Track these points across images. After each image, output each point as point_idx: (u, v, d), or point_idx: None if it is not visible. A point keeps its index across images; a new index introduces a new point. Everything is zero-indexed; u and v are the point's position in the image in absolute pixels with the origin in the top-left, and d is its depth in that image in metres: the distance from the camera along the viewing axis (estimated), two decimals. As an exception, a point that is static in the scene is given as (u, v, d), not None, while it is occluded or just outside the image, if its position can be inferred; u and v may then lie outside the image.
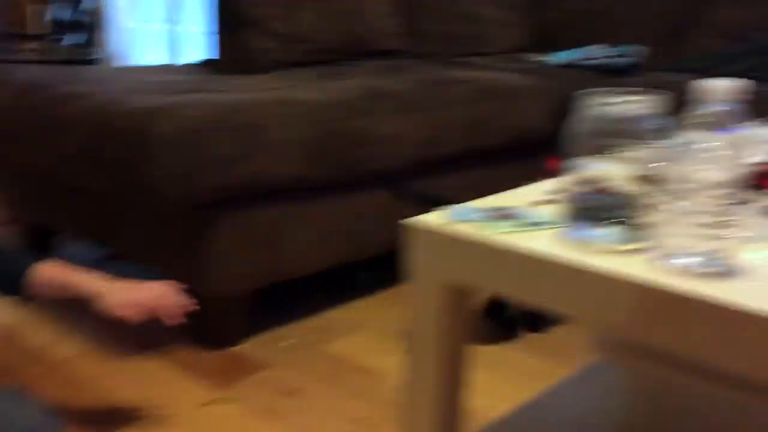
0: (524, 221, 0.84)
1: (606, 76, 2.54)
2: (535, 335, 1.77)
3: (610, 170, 0.75)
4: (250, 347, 1.71)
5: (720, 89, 0.68)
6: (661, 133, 0.73)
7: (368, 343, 1.74)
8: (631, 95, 0.76)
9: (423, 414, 0.89)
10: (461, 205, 0.88)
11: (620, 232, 0.75)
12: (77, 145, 1.73)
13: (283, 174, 1.66)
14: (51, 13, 4.31)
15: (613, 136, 0.74)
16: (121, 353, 1.66)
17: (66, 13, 4.36)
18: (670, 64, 2.68)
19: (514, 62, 2.72)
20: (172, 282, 1.35)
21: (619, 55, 2.65)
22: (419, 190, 1.88)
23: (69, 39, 4.36)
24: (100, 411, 1.45)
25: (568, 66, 2.67)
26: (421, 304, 0.86)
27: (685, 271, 0.69)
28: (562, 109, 2.39)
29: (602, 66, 2.60)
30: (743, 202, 0.93)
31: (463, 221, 0.84)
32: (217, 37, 2.21)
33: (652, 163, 0.74)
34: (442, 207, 0.87)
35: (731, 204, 0.70)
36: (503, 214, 0.86)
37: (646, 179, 0.74)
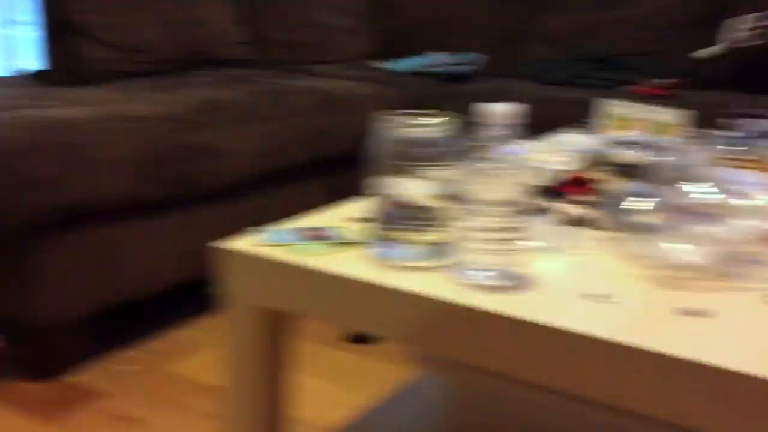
0: (336, 241, 0.85)
1: (447, 83, 2.63)
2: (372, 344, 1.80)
3: (412, 189, 0.78)
4: (86, 376, 1.63)
5: (499, 113, 0.72)
6: (455, 154, 0.76)
7: (214, 363, 1.70)
8: (427, 117, 0.78)
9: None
10: (275, 226, 0.88)
11: (422, 250, 0.78)
12: None
13: (115, 193, 1.59)
14: None
15: (411, 158, 0.77)
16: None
17: None
18: (506, 71, 2.81)
19: (359, 70, 2.76)
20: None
21: (460, 63, 2.75)
22: None
23: None
24: None
25: (412, 73, 2.74)
26: (237, 329, 0.85)
27: (478, 286, 0.73)
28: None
29: (444, 73, 2.69)
30: (543, 212, 0.99)
31: (275, 243, 0.84)
32: (46, 46, 2.09)
33: (448, 182, 0.77)
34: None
35: (519, 219, 0.74)
36: (317, 234, 0.87)
37: (444, 198, 0.77)
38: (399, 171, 0.77)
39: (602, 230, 0.91)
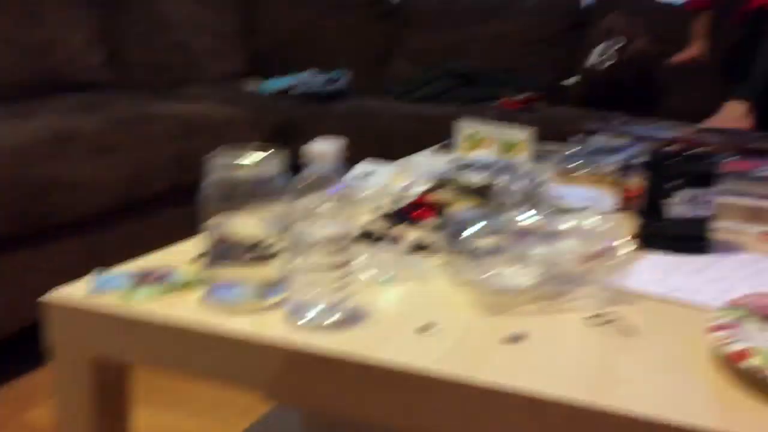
0: (169, 284, 0.82)
1: (315, 103, 2.63)
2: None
3: (241, 227, 0.77)
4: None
5: (325, 151, 0.72)
6: (285, 190, 0.75)
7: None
8: (257, 153, 0.77)
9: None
10: (106, 271, 0.85)
11: (253, 289, 0.77)
12: None
13: (-48, 234, 1.49)
14: None
15: (240, 195, 0.76)
16: None
17: None
18: (374, 89, 2.85)
19: (226, 91, 2.71)
20: None
21: (329, 82, 2.76)
22: None
23: None
24: None
25: (280, 93, 2.73)
26: (65, 383, 0.81)
27: (310, 325, 0.72)
28: (275, 138, 2.43)
29: (312, 93, 2.69)
30: (385, 238, 1.00)
31: (104, 290, 0.81)
32: None
33: (278, 219, 0.76)
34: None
35: (349, 253, 0.74)
36: (151, 277, 0.84)
37: (274, 235, 0.77)
38: (229, 208, 0.76)
39: (441, 256, 0.93)
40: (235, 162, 0.77)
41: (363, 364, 0.67)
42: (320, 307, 0.73)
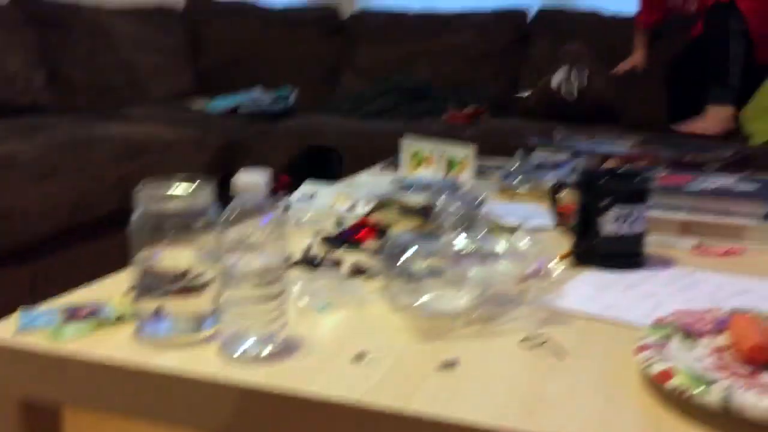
0: (99, 320, 0.81)
1: (264, 121, 2.62)
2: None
3: (171, 259, 0.75)
4: None
5: (252, 182, 0.72)
6: (213, 222, 0.75)
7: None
8: (186, 185, 0.77)
9: None
10: (32, 309, 0.82)
11: (184, 322, 0.76)
12: None
13: None
14: None
15: (171, 228, 0.75)
16: None
17: None
18: (323, 106, 2.85)
19: (173, 111, 2.68)
20: None
21: (276, 100, 2.75)
22: None
23: None
24: None
25: (228, 112, 2.71)
26: (-7, 425, 0.79)
27: (242, 358, 0.72)
28: (222, 157, 2.40)
29: (260, 111, 2.68)
30: (324, 263, 1.00)
31: (31, 328, 0.79)
32: None
33: (208, 251, 0.75)
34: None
35: (281, 284, 0.73)
36: (81, 313, 0.82)
37: (204, 267, 0.76)
38: (158, 241, 0.75)
39: (379, 280, 0.93)
40: (164, 193, 0.76)
41: (296, 396, 0.66)
42: (254, 339, 0.73)
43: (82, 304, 0.84)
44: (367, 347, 0.75)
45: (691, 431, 0.60)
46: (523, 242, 0.91)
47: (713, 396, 0.58)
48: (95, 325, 0.80)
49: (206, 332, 0.76)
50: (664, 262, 1.01)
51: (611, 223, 0.96)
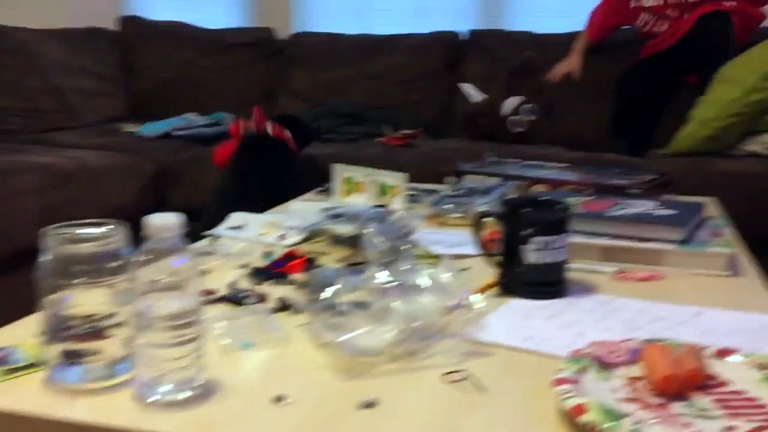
0: (9, 367, 0.78)
1: (198, 145, 2.58)
2: None
3: (80, 304, 0.73)
4: None
5: (165, 224, 0.70)
6: (124, 265, 0.73)
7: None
8: (97, 228, 0.75)
9: None
10: (-62, 357, 0.79)
11: (97, 369, 0.73)
12: None
13: None
14: None
15: (82, 271, 0.73)
16: None
17: None
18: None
19: (105, 136, 2.63)
20: None
21: (210, 124, 2.72)
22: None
23: None
24: None
25: (161, 137, 2.66)
26: None
27: (157, 403, 0.70)
28: (155, 183, 2.36)
29: (193, 135, 2.64)
30: (248, 298, 0.98)
31: (-65, 379, 0.75)
32: None
33: (119, 295, 0.73)
34: None
35: (196, 328, 0.72)
36: (-7, 359, 0.79)
37: (116, 311, 0.74)
38: (68, 284, 0.73)
39: (303, 316, 0.92)
40: (74, 236, 0.74)
41: (212, 444, 0.65)
42: (170, 383, 0.71)
43: (-7, 350, 0.81)
44: (288, 388, 0.74)
45: (604, 465, 0.60)
46: (447, 274, 0.92)
47: (623, 431, 0.59)
48: (5, 372, 0.77)
49: (120, 378, 0.74)
50: (587, 289, 1.03)
51: (534, 253, 0.97)
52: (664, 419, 0.63)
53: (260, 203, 1.53)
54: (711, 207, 1.54)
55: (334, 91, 3.00)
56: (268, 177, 2.08)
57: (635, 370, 0.73)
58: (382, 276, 0.88)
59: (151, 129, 2.70)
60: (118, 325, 0.74)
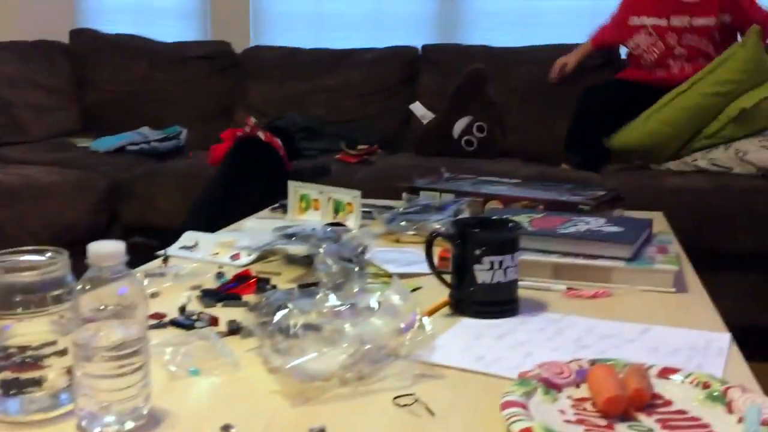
0: (-53, 399, 0.75)
1: (152, 160, 2.55)
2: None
3: (26, 332, 0.71)
4: None
5: (107, 252, 0.69)
6: (64, 294, 0.71)
7: None
8: (39, 256, 0.73)
9: None
10: None
11: (38, 400, 0.72)
12: None
13: None
14: None
15: (22, 300, 0.71)
16: None
17: None
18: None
19: (56, 151, 2.58)
20: None
21: (164, 138, 2.69)
22: None
23: None
24: None
25: (114, 151, 2.62)
26: None
27: (101, 436, 0.68)
28: (108, 199, 2.32)
29: (148, 150, 2.61)
30: (209, 322, 0.97)
31: None
32: None
33: (59, 325, 0.72)
34: None
35: (140, 356, 0.71)
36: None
37: (56, 341, 0.72)
38: (6, 314, 0.71)
39: (254, 339, 0.91)
40: (15, 263, 0.72)
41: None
42: (115, 414, 0.69)
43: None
44: (236, 416, 0.73)
45: (550, 489, 0.61)
46: (398, 295, 0.92)
47: (568, 455, 0.60)
48: (-57, 404, 0.74)
49: (63, 409, 0.72)
50: (538, 307, 1.04)
51: (485, 272, 0.98)
52: (609, 441, 0.64)
53: (250, 204, 1.56)
54: (658, 222, 1.57)
55: (292, 104, 2.99)
56: (259, 178, 2.12)
57: (582, 391, 0.74)
58: (334, 298, 0.88)
59: (104, 144, 2.66)
60: (60, 353, 0.72)
